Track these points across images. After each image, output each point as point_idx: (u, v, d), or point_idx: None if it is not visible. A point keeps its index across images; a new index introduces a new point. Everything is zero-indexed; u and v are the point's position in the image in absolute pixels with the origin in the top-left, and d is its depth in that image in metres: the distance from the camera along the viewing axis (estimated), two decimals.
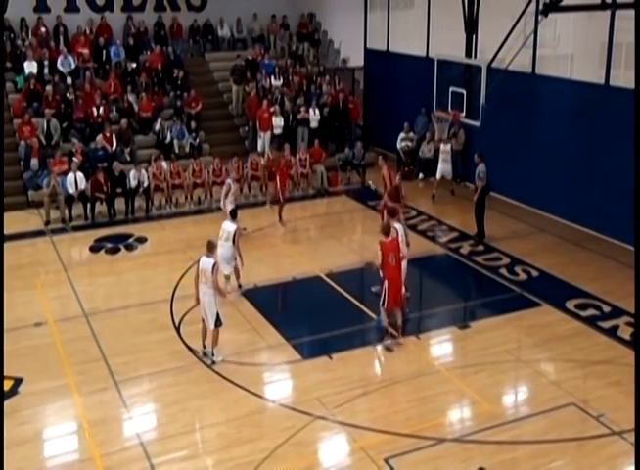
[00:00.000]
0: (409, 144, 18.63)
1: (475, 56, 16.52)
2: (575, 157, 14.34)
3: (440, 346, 10.29)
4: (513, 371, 9.58)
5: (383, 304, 9.98)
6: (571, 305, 11.15)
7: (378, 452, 7.75)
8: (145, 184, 15.71)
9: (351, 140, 19.07)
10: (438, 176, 16.81)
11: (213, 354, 9.67)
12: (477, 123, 14.64)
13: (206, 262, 9.44)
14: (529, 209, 15.63)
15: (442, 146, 16.93)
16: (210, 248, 9.56)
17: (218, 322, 9.53)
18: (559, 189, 14.81)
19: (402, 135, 18.63)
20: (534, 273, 12.46)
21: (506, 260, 13.03)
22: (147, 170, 15.98)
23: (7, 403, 8.81)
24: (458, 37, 16.68)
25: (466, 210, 14.98)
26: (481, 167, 13.91)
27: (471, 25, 16.58)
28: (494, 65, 14.95)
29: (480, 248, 13.71)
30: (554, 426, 8.17)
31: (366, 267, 11.62)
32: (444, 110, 15.68)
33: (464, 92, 14.80)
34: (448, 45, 16.85)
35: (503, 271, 12.57)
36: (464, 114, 14.99)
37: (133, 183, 15.66)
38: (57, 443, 8.29)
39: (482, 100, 14.11)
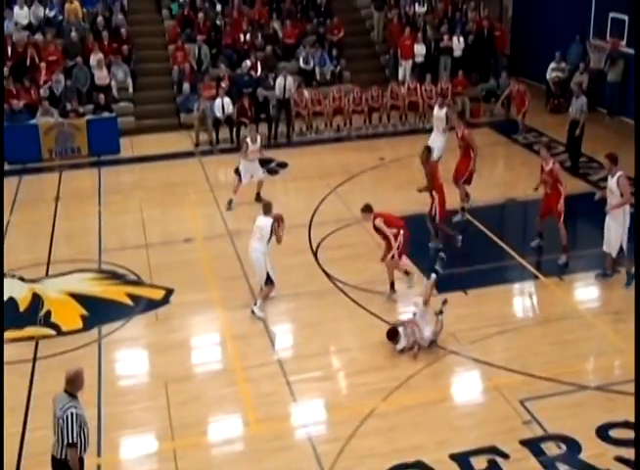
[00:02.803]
0: (560, 75, 17.47)
1: None
2: None
3: (586, 289, 9.83)
4: None
5: None
6: None
7: (513, 393, 7.63)
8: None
9: (497, 70, 18.15)
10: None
11: (256, 304, 9.33)
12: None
13: (263, 221, 9.24)
14: None
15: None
16: (266, 209, 9.33)
17: (269, 281, 9.32)
18: None
19: (553, 65, 17.48)
20: None
21: None
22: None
23: (160, 311, 9.54)
24: None
25: (621, 146, 13.93)
26: (584, 100, 13.50)
27: None
28: None
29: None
30: None
31: (508, 203, 11.28)
32: (602, 38, 14.50)
33: (626, 18, 13.63)
34: None
35: None
36: (624, 42, 13.81)
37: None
38: (203, 352, 8.90)
39: None
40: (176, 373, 8.21)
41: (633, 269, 9.49)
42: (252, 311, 9.28)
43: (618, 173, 9.15)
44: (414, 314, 8.56)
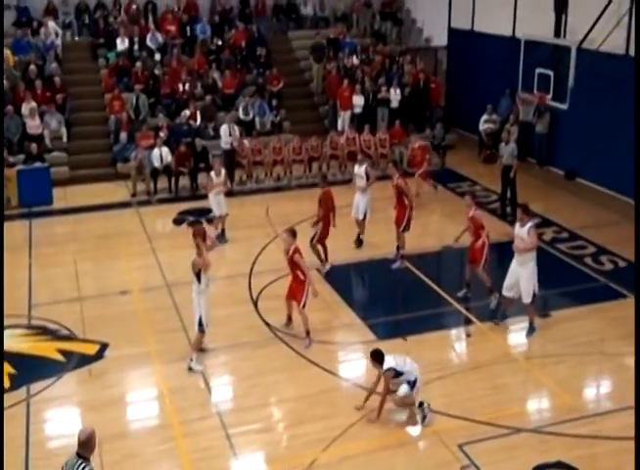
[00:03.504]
0: (492, 126, 18.17)
1: (564, 36, 15.88)
2: None
3: (519, 334, 10.01)
4: (595, 364, 9.30)
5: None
6: None
7: (452, 438, 7.69)
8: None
9: (432, 121, 18.76)
10: None
11: (192, 359, 9.07)
12: (564, 106, 14.14)
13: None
14: (617, 196, 15.00)
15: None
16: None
17: (200, 327, 9.05)
18: None
19: (485, 117, 18.19)
20: (621, 263, 12.00)
21: (591, 249, 12.60)
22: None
23: (93, 367, 9.25)
24: (546, 17, 16.03)
25: (549, 195, 14.56)
26: (513, 145, 14.19)
27: (561, 4, 15.89)
28: (584, 45, 14.38)
29: (565, 235, 13.30)
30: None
31: (444, 250, 11.52)
32: (530, 92, 15.21)
33: (551, 74, 14.30)
34: (536, 25, 16.25)
35: (588, 260, 12.17)
36: (550, 96, 14.50)
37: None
38: (139, 407, 8.65)
39: (571, 82, 13.60)
40: (110, 431, 7.92)
41: (535, 320, 9.85)
42: (190, 368, 9.08)
43: (530, 223, 9.51)
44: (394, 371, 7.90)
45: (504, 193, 14.45)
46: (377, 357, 7.87)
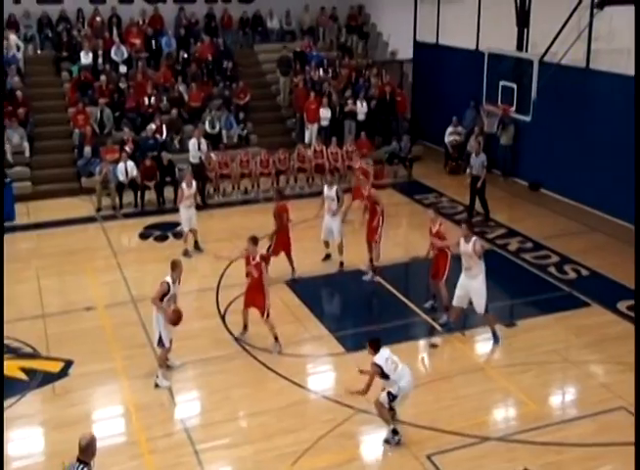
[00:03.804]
0: (457, 138, 18.42)
1: (526, 50, 16.19)
2: (629, 155, 13.93)
3: (486, 343, 10.11)
4: (560, 372, 9.43)
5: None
6: (622, 306, 10.88)
7: (420, 449, 7.71)
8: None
9: (398, 133, 18.93)
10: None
11: (157, 376, 9.00)
12: (527, 118, 14.41)
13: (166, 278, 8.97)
14: (580, 206, 15.30)
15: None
16: (172, 267, 9.06)
17: (160, 342, 9.01)
18: (611, 187, 14.44)
19: (450, 129, 18.43)
20: (584, 272, 12.21)
21: (555, 259, 12.80)
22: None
23: (58, 385, 9.07)
24: (509, 30, 16.34)
25: (514, 206, 14.77)
26: (484, 156, 14.41)
27: (523, 18, 16.23)
28: (546, 59, 14.67)
29: (529, 245, 13.49)
30: (603, 430, 8.01)
31: (411, 261, 11.60)
32: (494, 104, 15.47)
33: (514, 86, 14.57)
34: (499, 38, 16.56)
35: (552, 269, 12.35)
36: (514, 108, 14.77)
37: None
38: (104, 425, 8.46)
39: (534, 95, 13.86)
40: (75, 450, 7.65)
41: (497, 328, 9.96)
42: (156, 384, 8.98)
43: (474, 238, 9.63)
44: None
45: (472, 203, 14.62)
46: (373, 345, 7.77)
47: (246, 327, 10.08)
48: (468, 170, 14.79)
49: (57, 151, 17.44)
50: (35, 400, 8.80)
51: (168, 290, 8.90)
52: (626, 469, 7.44)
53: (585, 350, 9.82)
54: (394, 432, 7.82)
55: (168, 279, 8.97)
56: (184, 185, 12.94)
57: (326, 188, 12.55)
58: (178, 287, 9.15)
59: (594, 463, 7.53)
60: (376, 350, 7.75)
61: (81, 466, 5.47)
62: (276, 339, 9.75)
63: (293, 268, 11.97)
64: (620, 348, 9.71)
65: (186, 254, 12.85)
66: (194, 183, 13.10)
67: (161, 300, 8.87)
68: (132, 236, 14.37)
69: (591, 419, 8.20)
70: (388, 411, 7.83)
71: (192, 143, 16.08)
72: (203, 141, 16.22)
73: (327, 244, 12.61)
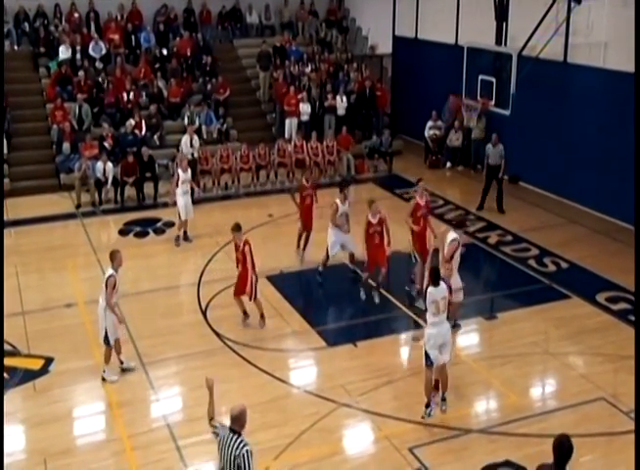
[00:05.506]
0: (437, 132, 18.50)
1: (505, 44, 16.29)
2: (607, 147, 14.12)
3: (467, 336, 10.21)
4: (541, 364, 9.52)
5: None
6: (601, 297, 11.01)
7: (402, 441, 7.76)
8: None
9: (378, 128, 18.98)
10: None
11: (104, 371, 9.03)
12: (506, 112, 14.50)
13: (107, 271, 8.94)
14: (559, 199, 15.45)
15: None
16: (111, 257, 9.03)
17: (106, 340, 8.94)
18: (589, 180, 14.61)
19: (430, 123, 18.50)
20: (564, 265, 12.33)
21: (535, 251, 12.91)
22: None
23: (38, 382, 9.01)
24: (488, 25, 16.43)
25: (494, 198, 14.85)
26: (501, 147, 14.60)
27: (501, 13, 16.32)
28: (525, 53, 14.77)
29: (509, 238, 13.60)
30: (583, 420, 8.09)
31: (392, 255, 11.61)
32: (473, 98, 15.55)
33: (493, 80, 14.68)
34: (478, 33, 16.68)
35: (532, 262, 12.46)
36: (493, 102, 14.87)
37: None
38: (86, 422, 8.43)
39: (512, 88, 13.97)
40: (56, 447, 7.74)
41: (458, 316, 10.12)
42: (103, 379, 8.97)
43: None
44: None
45: (485, 193, 14.91)
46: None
47: (245, 313, 10.26)
48: (486, 160, 14.86)
49: (35, 147, 17.25)
50: (16, 398, 8.72)
51: (115, 283, 8.85)
52: (606, 459, 7.59)
53: (565, 341, 9.92)
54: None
55: (112, 272, 8.89)
56: (180, 170, 13.04)
57: (339, 202, 11.40)
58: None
59: (575, 454, 7.58)
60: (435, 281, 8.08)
61: (235, 436, 5.67)
62: (262, 316, 10.13)
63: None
64: (600, 339, 9.83)
65: (178, 240, 13.22)
66: (189, 169, 13.23)
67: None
68: (112, 232, 14.28)
69: (571, 410, 8.29)
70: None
71: (184, 140, 16.11)
72: (195, 138, 16.22)
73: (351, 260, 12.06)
